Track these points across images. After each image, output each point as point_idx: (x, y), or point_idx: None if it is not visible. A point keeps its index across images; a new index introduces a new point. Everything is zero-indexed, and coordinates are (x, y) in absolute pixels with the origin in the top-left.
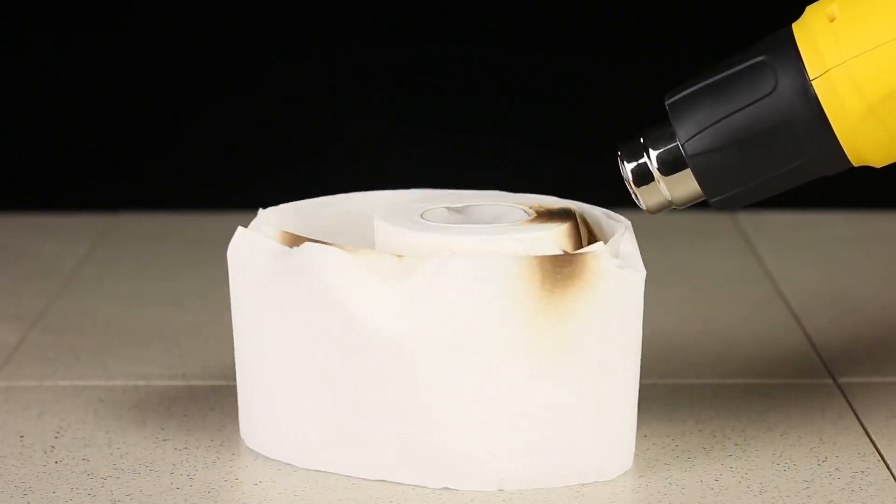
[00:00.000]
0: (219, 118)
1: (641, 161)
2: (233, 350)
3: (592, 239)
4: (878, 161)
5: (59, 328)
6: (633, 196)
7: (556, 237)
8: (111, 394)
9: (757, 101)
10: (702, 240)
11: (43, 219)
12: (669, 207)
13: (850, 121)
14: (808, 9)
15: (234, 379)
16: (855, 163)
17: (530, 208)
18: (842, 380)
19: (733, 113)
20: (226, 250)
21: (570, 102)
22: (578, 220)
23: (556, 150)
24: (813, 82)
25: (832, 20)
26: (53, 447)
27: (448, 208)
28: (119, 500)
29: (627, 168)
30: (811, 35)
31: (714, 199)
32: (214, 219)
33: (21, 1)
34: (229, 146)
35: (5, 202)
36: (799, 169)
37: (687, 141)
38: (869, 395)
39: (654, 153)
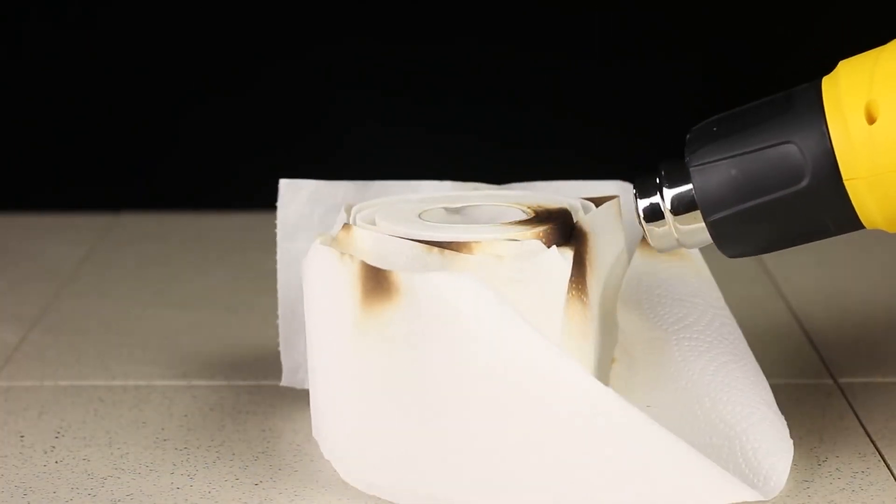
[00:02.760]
0: (219, 118)
1: (662, 222)
2: (232, 350)
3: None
4: (891, 229)
5: (59, 328)
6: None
7: (539, 237)
8: (111, 394)
9: (786, 192)
10: None
11: (43, 219)
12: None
13: (875, 219)
14: (844, 86)
15: (234, 379)
16: (869, 227)
17: (528, 208)
18: (842, 380)
19: (761, 201)
20: (225, 250)
21: (570, 103)
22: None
23: (557, 149)
24: (845, 182)
25: (872, 121)
26: (54, 447)
27: (446, 209)
28: (119, 500)
29: (646, 224)
30: (846, 130)
31: (728, 254)
32: (215, 219)
33: (21, 0)
34: (230, 146)
35: (5, 202)
36: (813, 235)
37: (710, 218)
38: (869, 395)
39: (673, 219)
